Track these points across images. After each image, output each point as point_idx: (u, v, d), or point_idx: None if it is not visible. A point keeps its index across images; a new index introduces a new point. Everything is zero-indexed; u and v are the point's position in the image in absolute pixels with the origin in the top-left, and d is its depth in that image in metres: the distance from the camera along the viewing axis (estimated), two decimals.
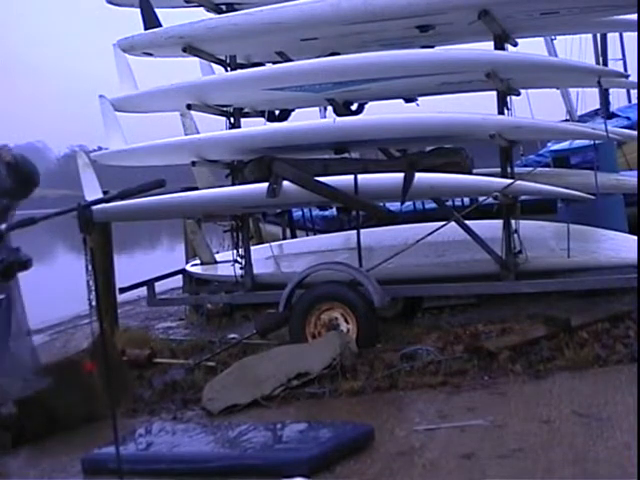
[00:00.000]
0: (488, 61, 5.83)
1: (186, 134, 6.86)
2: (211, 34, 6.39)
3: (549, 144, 9.23)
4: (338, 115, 6.39)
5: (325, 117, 7.63)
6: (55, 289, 13.05)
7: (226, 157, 6.79)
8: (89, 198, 5.77)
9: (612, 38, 14.27)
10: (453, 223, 5.98)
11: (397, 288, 6.07)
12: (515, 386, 4.70)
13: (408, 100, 6.79)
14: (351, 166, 6.26)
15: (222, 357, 6.08)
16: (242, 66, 6.82)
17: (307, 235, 8.78)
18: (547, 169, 7.52)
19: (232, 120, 6.72)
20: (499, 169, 6.02)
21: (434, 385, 4.85)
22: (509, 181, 5.70)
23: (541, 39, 8.74)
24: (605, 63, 13.75)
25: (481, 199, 6.07)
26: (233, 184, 6.69)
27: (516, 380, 4.80)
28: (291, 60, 6.63)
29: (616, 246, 5.97)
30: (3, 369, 4.42)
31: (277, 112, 6.86)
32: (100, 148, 8.58)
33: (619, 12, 6.15)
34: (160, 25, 6.74)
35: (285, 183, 5.99)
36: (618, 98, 13.46)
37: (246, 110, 6.89)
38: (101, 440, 4.06)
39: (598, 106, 10.36)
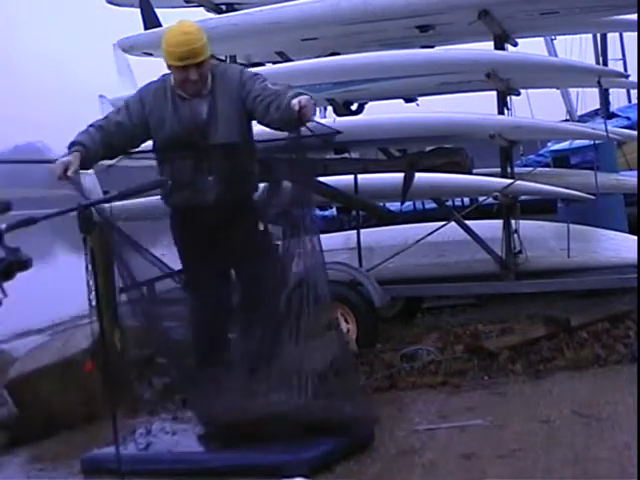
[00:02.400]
0: (488, 61, 5.84)
1: None
2: (211, 34, 6.36)
3: (549, 144, 9.24)
4: (338, 115, 6.39)
5: (325, 117, 7.63)
6: (55, 289, 13.04)
7: None
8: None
9: (612, 38, 14.32)
10: (453, 223, 5.98)
11: (397, 288, 6.07)
12: (515, 386, 4.70)
13: (408, 100, 6.79)
14: (351, 166, 6.26)
15: None
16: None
17: None
18: (547, 169, 7.53)
19: None
20: (499, 169, 6.03)
21: (434, 385, 4.84)
22: (509, 181, 5.70)
23: (541, 39, 8.77)
24: (605, 63, 13.78)
25: (481, 199, 6.07)
26: None
27: (516, 380, 4.79)
28: (291, 60, 6.63)
29: (616, 246, 5.97)
30: None
31: None
32: None
33: (619, 12, 6.15)
34: (160, 25, 6.75)
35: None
36: (618, 98, 13.51)
37: None
38: (101, 440, 4.06)
39: (598, 106, 10.38)
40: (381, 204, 6.47)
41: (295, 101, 3.69)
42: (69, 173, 3.80)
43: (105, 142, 4.02)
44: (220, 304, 4.11)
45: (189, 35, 3.97)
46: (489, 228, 6.04)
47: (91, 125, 4.08)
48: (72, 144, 3.95)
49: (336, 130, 3.92)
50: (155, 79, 4.17)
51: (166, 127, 4.02)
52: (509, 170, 6.02)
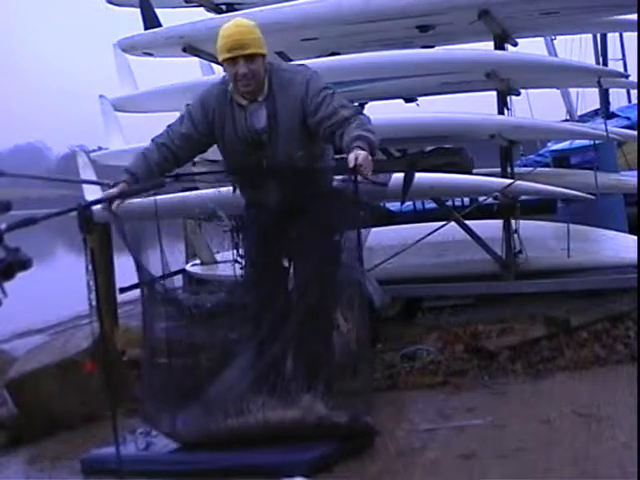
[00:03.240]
0: (488, 61, 5.84)
1: None
2: (211, 34, 6.36)
3: (549, 144, 9.24)
4: None
5: None
6: (55, 289, 13.05)
7: None
8: (89, 198, 5.76)
9: (612, 38, 14.35)
10: (453, 223, 5.98)
11: (397, 288, 6.06)
12: (515, 386, 4.70)
13: (408, 100, 6.79)
14: None
15: None
16: None
17: None
18: (547, 169, 7.53)
19: None
20: (499, 169, 6.03)
21: (434, 385, 4.84)
22: (509, 181, 5.70)
23: (541, 39, 8.76)
24: (605, 63, 13.81)
25: (481, 199, 6.07)
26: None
27: (516, 380, 4.79)
28: (291, 60, 6.63)
29: (616, 246, 5.97)
30: None
31: None
32: (100, 148, 8.57)
33: (619, 12, 6.16)
34: (160, 25, 6.74)
35: None
36: (618, 98, 13.53)
37: None
38: (101, 440, 4.05)
39: (598, 106, 10.38)
40: (381, 204, 6.45)
41: (352, 156, 3.54)
42: (113, 207, 3.85)
43: (166, 160, 4.03)
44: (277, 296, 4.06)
45: (240, 27, 3.93)
46: (489, 228, 6.04)
47: (153, 140, 4.06)
48: (125, 171, 4.01)
49: (384, 183, 3.99)
50: (216, 81, 4.13)
51: (225, 133, 3.98)
52: (509, 170, 6.02)
